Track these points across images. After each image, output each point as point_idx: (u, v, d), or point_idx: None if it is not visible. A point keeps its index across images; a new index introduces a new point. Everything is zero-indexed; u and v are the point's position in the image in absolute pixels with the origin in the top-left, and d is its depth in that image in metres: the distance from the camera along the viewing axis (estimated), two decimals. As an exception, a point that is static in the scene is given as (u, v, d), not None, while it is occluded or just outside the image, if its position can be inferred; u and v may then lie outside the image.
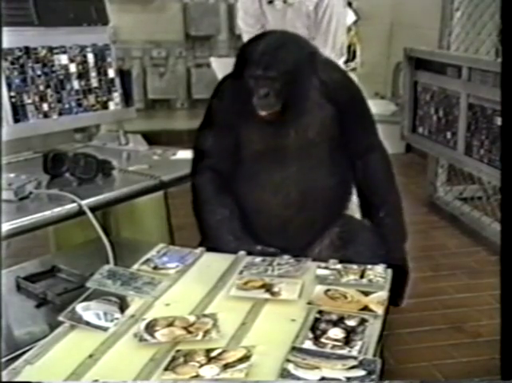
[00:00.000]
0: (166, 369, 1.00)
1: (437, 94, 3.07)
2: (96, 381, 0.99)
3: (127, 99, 2.18)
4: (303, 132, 1.50)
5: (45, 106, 1.95)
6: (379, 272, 1.33)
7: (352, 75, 1.97)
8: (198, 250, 1.50)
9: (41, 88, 1.94)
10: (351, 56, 2.99)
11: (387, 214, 1.53)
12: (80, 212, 1.57)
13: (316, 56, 1.53)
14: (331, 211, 1.54)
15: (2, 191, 1.51)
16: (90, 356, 1.05)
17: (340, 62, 2.43)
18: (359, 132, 1.54)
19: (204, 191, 1.56)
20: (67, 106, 2.01)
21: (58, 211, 1.54)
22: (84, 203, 1.57)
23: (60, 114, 1.99)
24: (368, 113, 1.59)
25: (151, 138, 2.75)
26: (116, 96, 2.14)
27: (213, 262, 1.45)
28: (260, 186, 1.52)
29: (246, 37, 2.58)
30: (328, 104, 1.50)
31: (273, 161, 1.51)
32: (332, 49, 2.39)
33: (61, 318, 1.17)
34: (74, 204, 1.56)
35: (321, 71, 1.51)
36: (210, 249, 1.51)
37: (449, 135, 3.03)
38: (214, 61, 2.52)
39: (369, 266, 1.35)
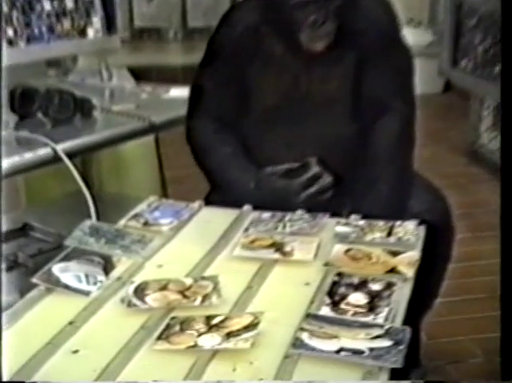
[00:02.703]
0: (159, 337, 1.02)
1: (485, 17, 3.00)
2: (77, 351, 1.00)
3: (109, 25, 2.15)
4: (328, 78, 1.50)
5: (10, 31, 1.93)
6: (409, 229, 1.34)
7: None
8: (196, 203, 1.51)
9: (5, 9, 1.91)
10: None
11: (384, 184, 1.51)
12: (55, 158, 1.58)
13: None
14: (350, 173, 1.54)
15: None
16: (70, 323, 1.07)
17: None
18: (377, 87, 1.51)
19: (203, 135, 1.57)
20: (36, 32, 1.98)
21: (29, 156, 1.54)
22: (59, 147, 1.57)
23: (28, 41, 1.97)
24: (398, 64, 1.53)
25: (139, 74, 2.74)
26: (96, 21, 2.11)
27: (213, 218, 1.46)
28: (272, 142, 1.53)
29: None
30: (356, 44, 1.48)
31: (289, 114, 1.52)
32: None
33: (35, 280, 1.18)
34: (48, 149, 1.57)
35: None
36: (219, 203, 1.52)
37: (497, 69, 2.98)
38: None
39: (398, 222, 1.36)
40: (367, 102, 1.52)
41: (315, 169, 1.50)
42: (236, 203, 1.48)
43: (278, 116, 1.53)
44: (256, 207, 1.47)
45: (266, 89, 1.53)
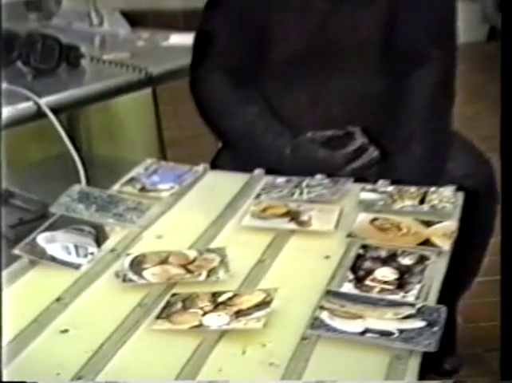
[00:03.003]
0: (159, 316, 1.03)
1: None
2: (66, 331, 1.02)
3: (97, -41, 2.14)
4: (359, 23, 1.50)
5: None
6: (446, 196, 1.34)
7: None
8: (201, 166, 1.52)
9: None
10: None
11: (419, 146, 1.52)
12: (37, 114, 1.58)
13: None
14: (381, 133, 1.55)
15: None
16: (57, 299, 1.09)
17: None
18: (414, 33, 1.51)
19: (218, 91, 1.57)
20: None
21: (8, 111, 1.55)
22: (43, 101, 1.58)
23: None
24: (438, 6, 1.53)
25: (134, 18, 2.72)
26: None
27: (220, 183, 1.47)
28: (292, 99, 1.54)
29: None
30: None
31: (313, 66, 1.52)
32: None
33: (17, 252, 1.19)
34: (29, 103, 1.57)
35: None
36: (230, 167, 1.53)
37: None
38: None
39: (433, 188, 1.37)
40: (402, 51, 1.51)
41: (361, 140, 1.50)
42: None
43: (301, 69, 1.53)
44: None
45: (287, 36, 1.52)
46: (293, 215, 1.30)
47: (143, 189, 1.43)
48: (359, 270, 1.13)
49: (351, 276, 1.12)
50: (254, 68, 1.56)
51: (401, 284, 1.09)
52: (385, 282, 1.10)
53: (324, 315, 1.01)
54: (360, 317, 1.00)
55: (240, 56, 1.55)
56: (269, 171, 1.48)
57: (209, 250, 1.20)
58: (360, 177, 1.45)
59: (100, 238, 1.25)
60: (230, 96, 1.56)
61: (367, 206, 1.33)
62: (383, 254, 1.17)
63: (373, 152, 1.50)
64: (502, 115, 1.30)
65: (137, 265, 1.15)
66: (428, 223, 1.25)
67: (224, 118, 1.57)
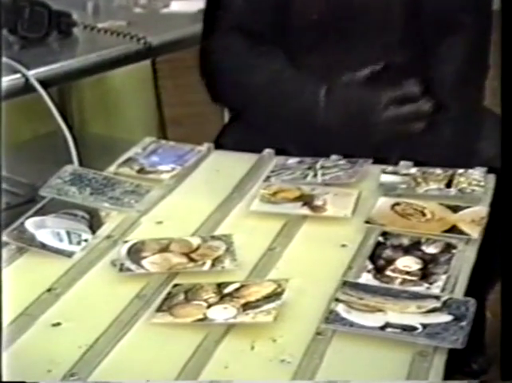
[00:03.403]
0: (159, 309, 1.04)
1: None
2: (58, 324, 1.03)
3: None
4: None
5: None
6: (475, 178, 1.34)
7: None
8: (205, 146, 1.52)
9: None
10: None
11: (448, 124, 1.52)
12: (25, 88, 1.59)
13: None
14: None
15: None
16: (48, 290, 1.09)
17: None
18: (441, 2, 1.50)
19: (235, 51, 1.57)
20: None
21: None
22: (31, 73, 1.58)
23: None
24: None
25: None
26: None
27: (226, 164, 1.48)
28: (310, 69, 1.54)
29: None
30: None
31: (334, 35, 1.52)
32: None
33: (3, 238, 1.20)
34: (17, 75, 1.58)
35: None
36: (238, 144, 1.52)
37: None
38: None
39: (460, 170, 1.37)
40: (430, 17, 1.51)
41: (411, 89, 1.48)
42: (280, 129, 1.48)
43: (321, 37, 1.53)
44: (322, 125, 1.46)
45: (306, 1, 1.53)
46: (307, 200, 1.31)
47: (141, 170, 1.43)
48: (378, 260, 1.13)
49: (370, 266, 1.12)
50: (270, 34, 1.56)
51: (425, 275, 1.09)
52: (407, 273, 1.10)
53: (341, 308, 1.01)
54: (379, 310, 1.01)
55: (257, 20, 1.55)
56: (297, 126, 1.47)
57: (214, 238, 1.20)
58: (381, 158, 1.45)
59: (94, 223, 1.26)
60: (250, 51, 1.55)
61: (387, 189, 1.33)
62: (405, 242, 1.17)
63: (424, 104, 1.49)
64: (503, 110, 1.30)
65: (135, 253, 1.16)
66: (455, 209, 1.25)
67: (243, 74, 1.55)
